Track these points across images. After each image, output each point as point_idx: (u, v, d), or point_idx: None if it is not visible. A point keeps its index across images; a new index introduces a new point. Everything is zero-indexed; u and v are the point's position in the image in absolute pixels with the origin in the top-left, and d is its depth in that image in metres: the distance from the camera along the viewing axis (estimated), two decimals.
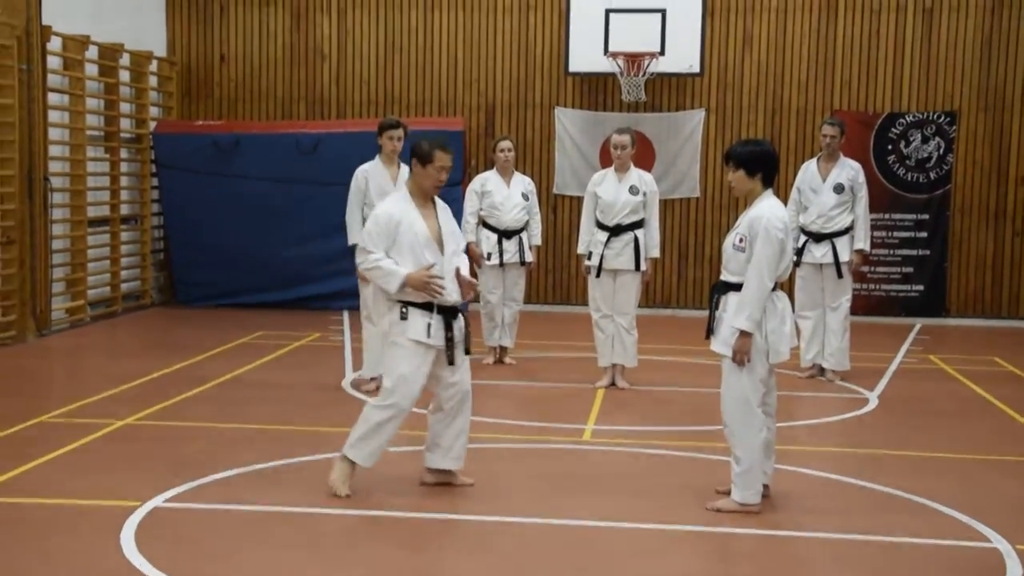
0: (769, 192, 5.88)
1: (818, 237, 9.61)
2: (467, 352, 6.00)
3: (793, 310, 9.84)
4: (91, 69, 12.50)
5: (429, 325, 5.87)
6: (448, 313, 5.91)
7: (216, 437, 7.27)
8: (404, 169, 8.97)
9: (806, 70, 13.79)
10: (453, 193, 13.00)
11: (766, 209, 5.77)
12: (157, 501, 5.81)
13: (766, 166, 5.83)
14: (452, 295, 5.91)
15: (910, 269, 13.77)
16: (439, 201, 6.10)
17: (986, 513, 5.88)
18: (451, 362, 5.94)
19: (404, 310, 5.89)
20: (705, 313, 6.12)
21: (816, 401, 8.97)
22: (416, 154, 5.94)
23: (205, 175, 13.40)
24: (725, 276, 5.92)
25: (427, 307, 5.89)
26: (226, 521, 5.60)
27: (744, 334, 5.71)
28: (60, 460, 6.63)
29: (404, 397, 5.91)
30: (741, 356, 5.74)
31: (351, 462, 6.00)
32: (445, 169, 5.93)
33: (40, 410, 7.79)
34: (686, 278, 14.13)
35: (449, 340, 5.91)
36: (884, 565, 5.16)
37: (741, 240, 5.79)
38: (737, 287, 5.80)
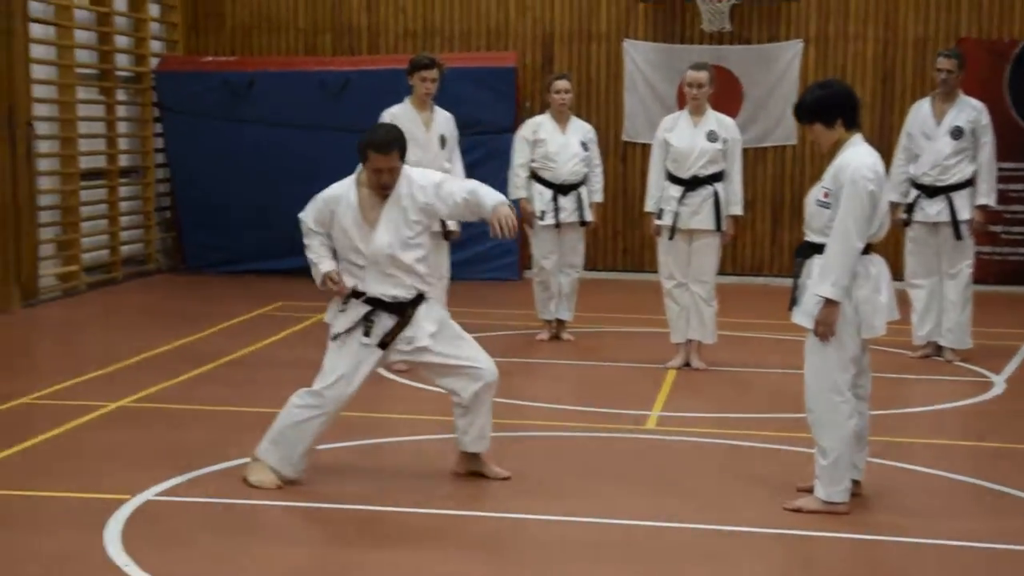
0: (858, 137, 5.90)
1: (932, 191, 9.54)
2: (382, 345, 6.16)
3: (902, 277, 9.83)
4: None
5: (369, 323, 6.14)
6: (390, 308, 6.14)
7: (221, 422, 7.44)
8: (439, 113, 9.05)
9: None
10: (502, 141, 13.14)
11: (852, 157, 5.78)
12: (149, 494, 5.97)
13: (843, 108, 5.85)
14: (388, 289, 6.14)
15: None
16: (410, 178, 6.19)
17: None
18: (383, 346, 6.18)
19: (345, 302, 6.19)
20: None
21: (930, 385, 8.95)
22: (358, 146, 6.10)
23: (216, 120, 13.58)
24: (809, 236, 5.94)
25: (367, 300, 6.16)
26: (226, 517, 5.74)
27: (829, 303, 5.72)
28: (43, 447, 6.82)
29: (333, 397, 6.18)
30: (825, 329, 5.75)
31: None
32: (384, 171, 6.06)
33: (23, 391, 8.00)
34: (781, 241, 14.08)
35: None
36: None
37: (826, 195, 5.81)
38: (823, 249, 5.81)
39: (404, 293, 6.16)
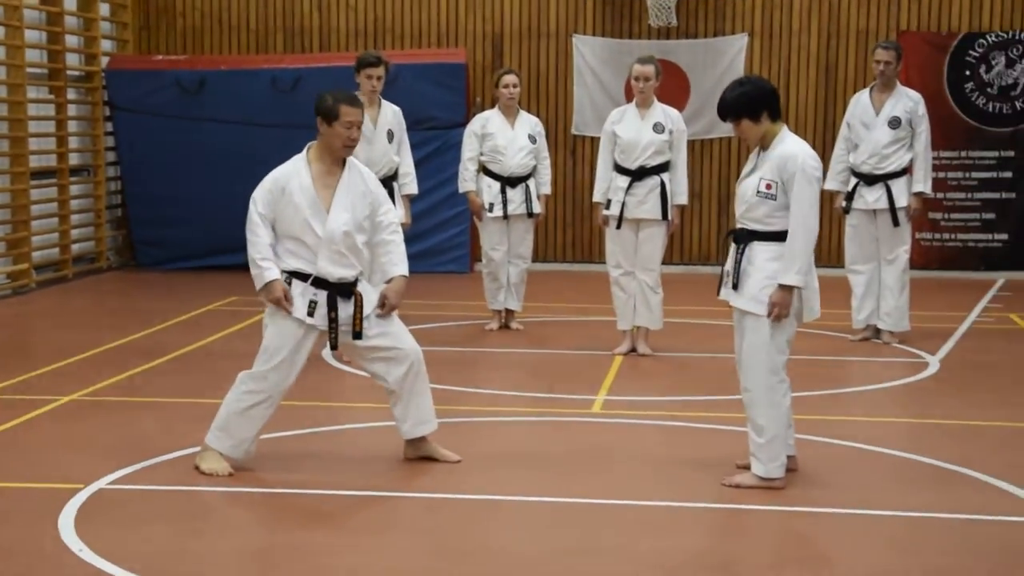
0: (785, 128, 6.11)
1: (870, 179, 9.75)
2: (357, 336, 6.24)
3: (842, 263, 10.04)
4: None
5: (312, 303, 6.19)
6: (335, 289, 6.20)
7: (173, 414, 7.53)
8: (386, 108, 9.18)
9: None
10: (454, 136, 13.29)
11: (794, 148, 5.97)
12: (102, 483, 6.07)
13: (766, 102, 6.04)
14: (336, 269, 6.18)
15: (991, 215, 13.87)
16: (358, 166, 6.35)
17: None
18: (334, 346, 6.31)
19: (288, 281, 6.20)
20: None
21: (866, 366, 9.18)
22: (320, 111, 6.18)
23: (167, 119, 13.64)
24: (747, 224, 6.10)
25: (313, 281, 6.20)
26: (178, 504, 5.86)
27: (785, 288, 5.90)
28: None
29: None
30: (780, 311, 5.93)
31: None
32: (355, 125, 6.17)
33: None
34: (728, 230, 14.26)
35: (332, 322, 6.21)
36: (911, 542, 5.39)
37: (769, 186, 5.98)
38: (763, 236, 5.99)
39: (350, 273, 6.24)
